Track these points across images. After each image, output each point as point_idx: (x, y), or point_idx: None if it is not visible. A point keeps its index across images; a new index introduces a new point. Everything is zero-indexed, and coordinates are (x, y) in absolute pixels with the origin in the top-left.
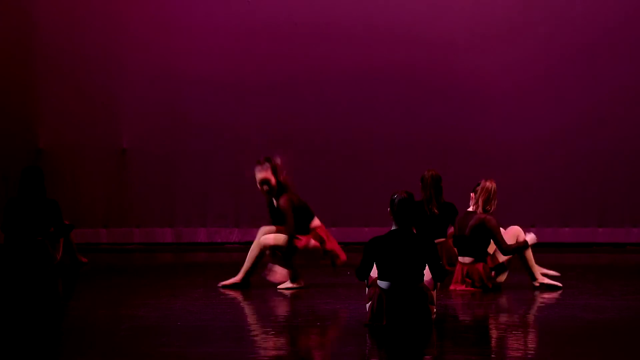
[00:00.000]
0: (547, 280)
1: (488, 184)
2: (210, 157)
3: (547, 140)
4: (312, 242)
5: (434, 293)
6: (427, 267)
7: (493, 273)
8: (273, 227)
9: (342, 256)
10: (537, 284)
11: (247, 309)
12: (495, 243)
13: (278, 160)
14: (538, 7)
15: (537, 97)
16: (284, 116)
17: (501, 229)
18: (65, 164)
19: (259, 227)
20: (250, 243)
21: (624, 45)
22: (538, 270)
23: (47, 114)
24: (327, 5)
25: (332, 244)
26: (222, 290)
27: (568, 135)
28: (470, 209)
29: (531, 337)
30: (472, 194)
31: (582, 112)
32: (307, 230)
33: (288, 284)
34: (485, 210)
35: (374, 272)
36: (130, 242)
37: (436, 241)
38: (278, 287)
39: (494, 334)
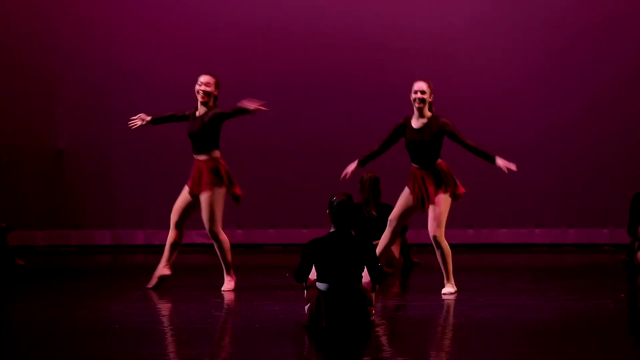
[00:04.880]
0: None
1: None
2: (148, 159)
3: (483, 144)
4: None
5: (373, 295)
6: (365, 269)
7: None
8: None
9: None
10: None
11: (186, 311)
12: None
13: None
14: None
15: (481, 105)
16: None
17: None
18: (1, 166)
19: (196, 229)
20: (190, 245)
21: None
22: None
23: None
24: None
25: None
26: (160, 293)
27: (504, 140)
28: None
29: (468, 337)
30: None
31: (519, 117)
32: None
33: None
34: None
35: (312, 274)
36: (68, 244)
37: (374, 243)
38: None
39: (432, 335)
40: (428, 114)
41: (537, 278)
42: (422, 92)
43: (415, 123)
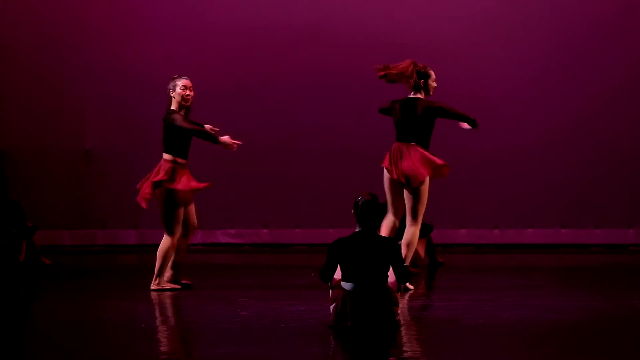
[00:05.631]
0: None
1: None
2: None
3: (509, 144)
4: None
5: (398, 294)
6: (391, 268)
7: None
8: None
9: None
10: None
11: (212, 311)
12: None
13: None
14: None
15: (503, 105)
16: (248, 118)
17: None
18: (28, 165)
19: (221, 228)
20: (215, 245)
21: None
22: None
23: (9, 115)
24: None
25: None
26: (186, 292)
27: (531, 139)
28: None
29: (495, 338)
30: None
31: (544, 117)
32: None
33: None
34: None
35: (337, 274)
36: (94, 244)
37: (400, 243)
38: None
39: (457, 335)
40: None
41: (563, 278)
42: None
43: None
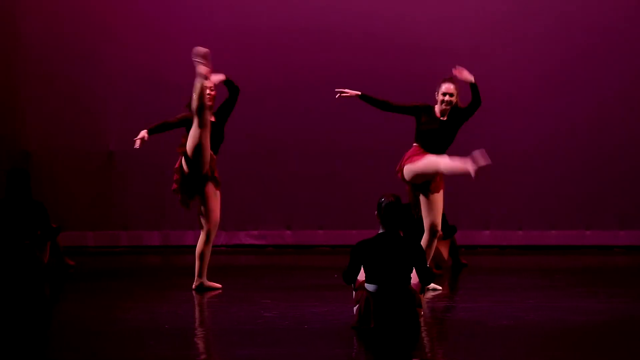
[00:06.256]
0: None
1: None
2: None
3: (533, 144)
4: None
5: (422, 296)
6: (414, 270)
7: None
8: None
9: None
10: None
11: (234, 312)
12: None
13: None
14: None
15: (522, 104)
16: (269, 119)
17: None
18: (52, 167)
19: (244, 230)
20: (238, 246)
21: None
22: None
23: (33, 116)
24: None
25: None
26: (209, 293)
27: (554, 138)
28: None
29: (520, 340)
30: None
31: (566, 116)
32: None
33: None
34: None
35: (361, 275)
36: (117, 245)
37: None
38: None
39: (482, 337)
40: None
41: (587, 280)
42: (451, 95)
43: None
